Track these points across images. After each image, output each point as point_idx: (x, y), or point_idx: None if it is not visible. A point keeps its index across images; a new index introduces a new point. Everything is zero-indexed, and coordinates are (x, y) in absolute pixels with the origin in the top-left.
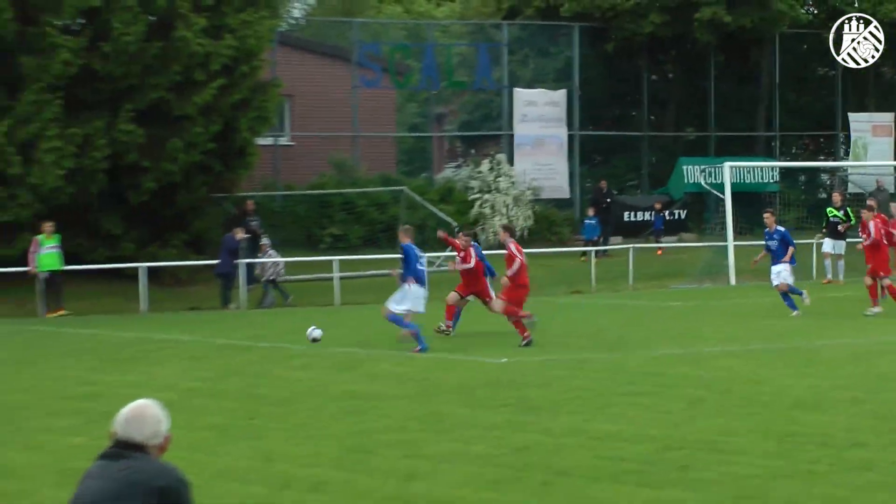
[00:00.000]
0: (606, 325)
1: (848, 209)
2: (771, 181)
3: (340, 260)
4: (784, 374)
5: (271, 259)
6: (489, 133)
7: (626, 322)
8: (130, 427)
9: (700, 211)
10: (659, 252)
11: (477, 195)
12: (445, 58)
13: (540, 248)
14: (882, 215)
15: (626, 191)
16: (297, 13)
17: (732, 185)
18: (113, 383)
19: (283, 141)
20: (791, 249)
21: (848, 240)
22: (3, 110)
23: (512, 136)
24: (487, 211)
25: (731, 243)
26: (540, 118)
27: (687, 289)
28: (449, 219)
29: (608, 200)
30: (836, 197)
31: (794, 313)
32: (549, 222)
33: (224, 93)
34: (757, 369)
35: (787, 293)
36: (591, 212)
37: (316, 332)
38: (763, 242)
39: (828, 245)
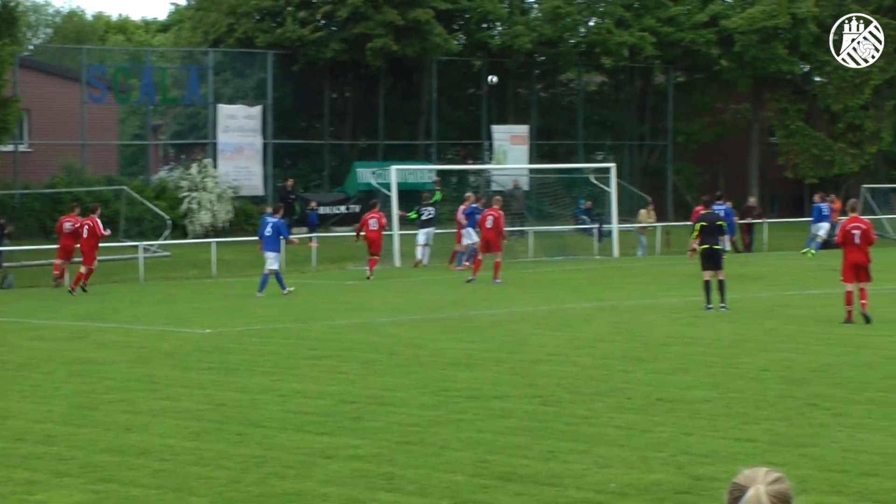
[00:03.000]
0: (294, 299)
1: (417, 207)
2: (429, 181)
3: None
4: (441, 338)
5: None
6: (197, 141)
7: (311, 297)
8: None
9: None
10: (310, 244)
11: (186, 193)
12: (161, 78)
13: (238, 238)
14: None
15: (311, 189)
16: (36, 41)
17: (398, 184)
18: None
19: (23, 148)
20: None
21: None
22: None
23: (216, 143)
24: (195, 206)
25: (396, 232)
26: (239, 129)
27: (361, 269)
28: (162, 213)
29: (293, 196)
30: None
31: (259, 294)
32: (246, 215)
33: None
34: (418, 335)
35: (275, 276)
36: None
37: None
38: None
39: (421, 237)
